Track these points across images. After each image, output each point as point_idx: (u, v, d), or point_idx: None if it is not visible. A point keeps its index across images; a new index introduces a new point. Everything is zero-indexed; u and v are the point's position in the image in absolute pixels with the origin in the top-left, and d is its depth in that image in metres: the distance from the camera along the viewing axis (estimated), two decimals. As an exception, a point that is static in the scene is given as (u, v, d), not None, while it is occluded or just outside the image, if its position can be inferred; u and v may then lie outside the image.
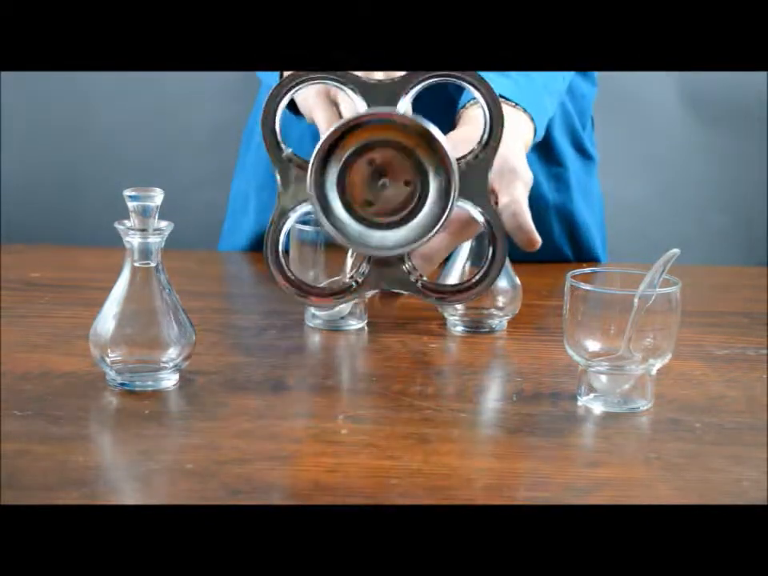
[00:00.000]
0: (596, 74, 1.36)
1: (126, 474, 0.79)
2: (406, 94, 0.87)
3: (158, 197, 0.87)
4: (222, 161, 1.74)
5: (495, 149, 0.88)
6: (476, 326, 1.04)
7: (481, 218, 0.88)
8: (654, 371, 0.87)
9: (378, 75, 0.94)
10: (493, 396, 0.93)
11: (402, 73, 0.88)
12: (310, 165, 0.85)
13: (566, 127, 1.32)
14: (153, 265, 0.89)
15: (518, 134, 0.98)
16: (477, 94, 0.88)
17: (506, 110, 1.00)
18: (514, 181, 0.91)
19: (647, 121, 1.90)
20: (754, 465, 0.79)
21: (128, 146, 1.88)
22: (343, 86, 0.88)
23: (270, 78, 1.16)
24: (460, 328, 1.05)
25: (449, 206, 0.85)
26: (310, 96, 1.00)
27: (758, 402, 0.90)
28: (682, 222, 1.91)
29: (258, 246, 1.35)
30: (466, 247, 1.03)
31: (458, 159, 0.87)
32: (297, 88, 0.88)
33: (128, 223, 0.88)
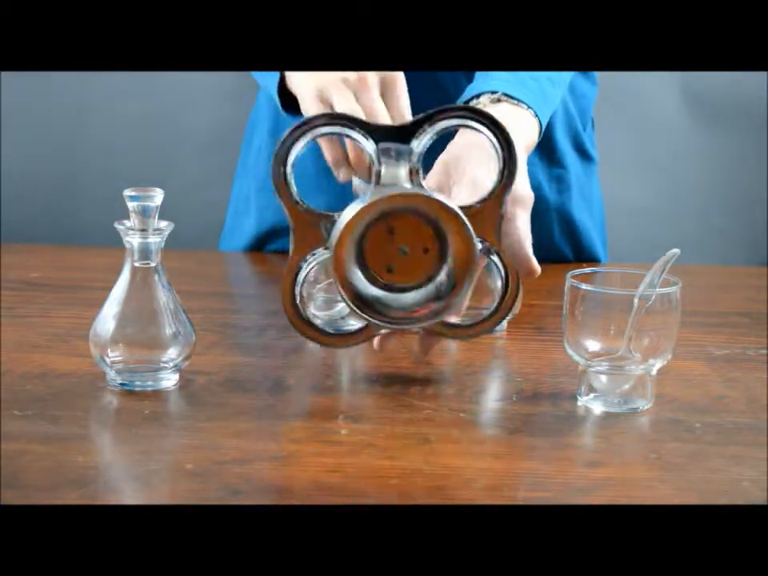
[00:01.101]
0: (596, 73, 1.36)
1: (125, 473, 0.79)
2: (417, 138, 0.87)
3: (158, 197, 0.87)
4: (222, 161, 1.74)
5: (509, 188, 0.88)
6: (476, 326, 1.04)
7: (495, 258, 0.89)
8: (654, 371, 0.87)
9: (385, 119, 0.94)
10: (493, 396, 0.93)
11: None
12: (333, 243, 0.86)
13: (568, 128, 1.32)
14: (153, 265, 0.89)
15: (521, 138, 0.98)
16: (489, 134, 0.88)
17: (509, 108, 1.00)
18: (514, 206, 0.92)
19: (647, 121, 1.90)
20: (754, 465, 0.79)
21: (128, 146, 1.88)
22: (352, 131, 0.87)
23: (264, 79, 1.16)
24: (460, 328, 1.04)
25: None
26: (306, 100, 1.00)
27: (758, 402, 0.90)
28: (682, 222, 1.91)
29: (258, 246, 1.35)
30: None
31: (473, 203, 0.88)
32: (303, 136, 0.88)
33: (128, 223, 0.88)
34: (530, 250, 0.92)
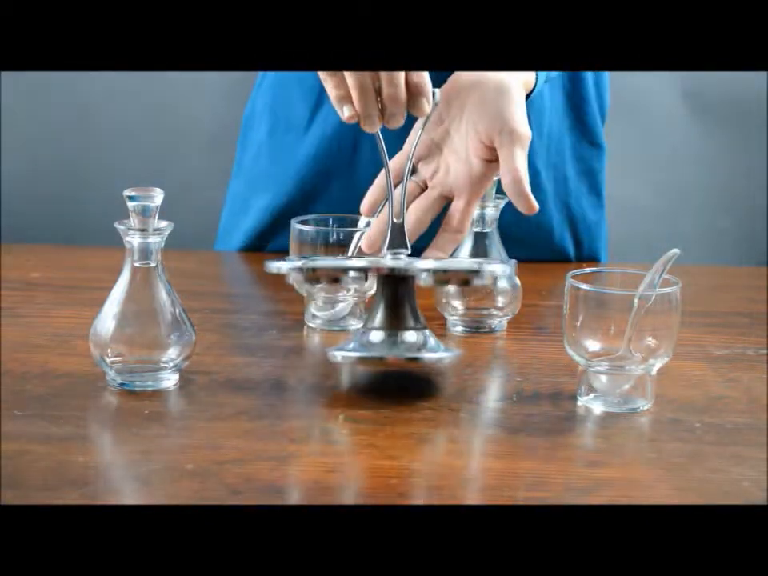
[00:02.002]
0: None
1: (125, 473, 0.79)
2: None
3: (158, 197, 0.87)
4: (221, 161, 1.74)
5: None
6: (476, 326, 1.04)
7: None
8: (654, 371, 0.87)
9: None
10: (493, 396, 0.93)
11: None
12: None
13: (568, 119, 1.31)
14: (153, 265, 0.89)
15: (519, 75, 1.00)
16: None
17: None
18: (513, 145, 0.93)
19: (648, 121, 1.90)
20: (754, 465, 0.79)
21: (128, 146, 1.88)
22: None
23: None
24: (460, 328, 1.04)
25: None
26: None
27: (758, 402, 0.90)
28: (682, 222, 1.91)
29: (254, 245, 1.34)
30: (465, 249, 1.04)
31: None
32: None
33: (128, 223, 0.88)
34: (527, 188, 0.93)
